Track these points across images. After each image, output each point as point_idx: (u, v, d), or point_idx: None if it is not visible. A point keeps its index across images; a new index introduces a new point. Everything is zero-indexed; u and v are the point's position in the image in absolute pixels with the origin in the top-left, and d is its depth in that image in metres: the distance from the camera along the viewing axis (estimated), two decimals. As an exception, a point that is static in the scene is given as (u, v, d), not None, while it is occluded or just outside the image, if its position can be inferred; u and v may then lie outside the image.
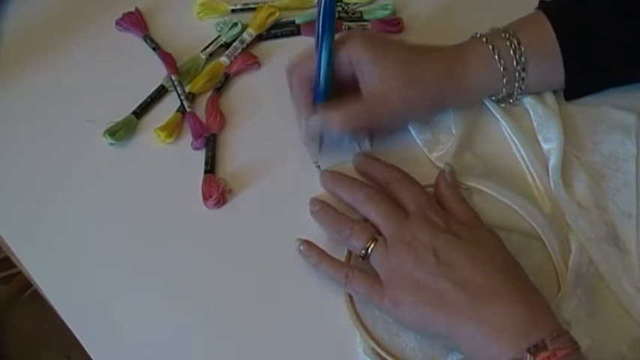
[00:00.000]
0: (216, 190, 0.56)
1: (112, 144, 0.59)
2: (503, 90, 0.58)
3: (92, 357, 0.50)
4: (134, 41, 0.66)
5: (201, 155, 0.58)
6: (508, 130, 0.59)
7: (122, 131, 0.59)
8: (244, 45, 0.64)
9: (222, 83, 0.62)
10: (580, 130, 0.60)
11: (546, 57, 0.57)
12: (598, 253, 0.53)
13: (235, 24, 0.65)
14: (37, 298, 0.59)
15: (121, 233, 0.55)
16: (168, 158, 0.59)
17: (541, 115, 0.59)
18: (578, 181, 0.57)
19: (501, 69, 0.56)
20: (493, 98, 0.60)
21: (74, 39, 0.65)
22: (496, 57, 0.56)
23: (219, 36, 0.65)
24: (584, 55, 0.57)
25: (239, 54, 0.64)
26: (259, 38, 0.66)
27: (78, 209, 0.56)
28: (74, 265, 0.54)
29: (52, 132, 0.60)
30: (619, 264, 0.53)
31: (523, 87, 0.58)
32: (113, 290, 0.53)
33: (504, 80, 0.57)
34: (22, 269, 0.56)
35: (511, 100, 0.60)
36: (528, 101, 0.60)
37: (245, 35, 0.65)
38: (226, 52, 0.64)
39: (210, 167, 0.58)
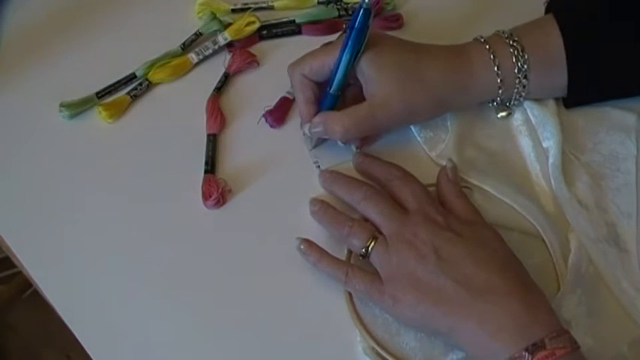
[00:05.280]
0: (216, 190, 0.56)
1: (64, 116, 0.60)
2: (502, 94, 0.57)
3: (92, 357, 0.50)
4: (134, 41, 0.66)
5: (201, 155, 0.58)
6: (518, 123, 0.59)
7: (75, 107, 0.60)
8: (216, 47, 0.64)
9: (222, 83, 0.62)
10: (580, 130, 0.60)
11: (550, 65, 0.56)
12: (598, 253, 0.53)
13: (216, 18, 0.64)
14: (37, 298, 0.59)
15: (121, 233, 0.55)
16: (169, 159, 0.59)
17: (537, 115, 0.59)
18: (579, 181, 0.57)
19: (499, 80, 0.55)
20: (491, 104, 0.59)
21: (74, 39, 0.65)
22: (495, 67, 0.55)
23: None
24: (591, 66, 0.56)
25: (210, 54, 0.64)
26: (260, 37, 0.66)
27: (78, 209, 0.56)
28: (74, 265, 0.54)
29: (53, 132, 0.60)
30: (619, 264, 0.53)
31: (523, 94, 0.57)
32: (113, 290, 0.53)
33: (500, 90, 0.56)
34: (22, 269, 0.56)
35: (508, 104, 0.59)
36: (526, 102, 0.60)
37: (219, 37, 0.64)
38: (195, 50, 0.64)
39: (210, 167, 0.58)
